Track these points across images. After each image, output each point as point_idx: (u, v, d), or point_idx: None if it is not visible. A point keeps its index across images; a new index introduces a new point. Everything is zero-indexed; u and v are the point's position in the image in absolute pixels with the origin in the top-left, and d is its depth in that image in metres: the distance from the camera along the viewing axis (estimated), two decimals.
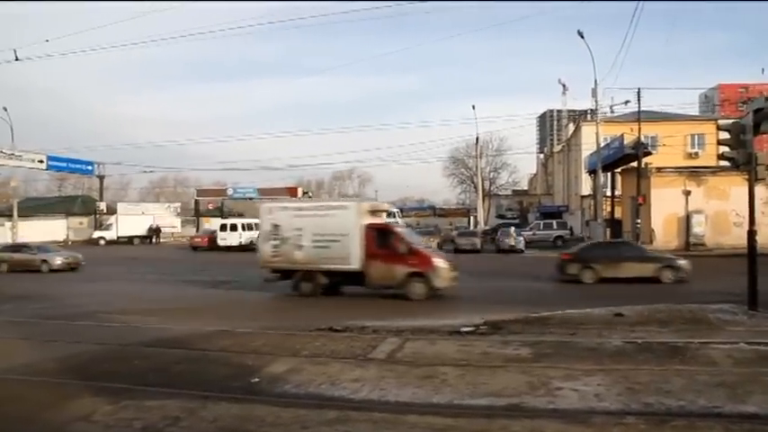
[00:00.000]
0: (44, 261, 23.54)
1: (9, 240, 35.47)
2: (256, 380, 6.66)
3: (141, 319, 11.40)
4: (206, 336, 9.49)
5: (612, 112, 35.41)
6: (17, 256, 24.12)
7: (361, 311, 12.12)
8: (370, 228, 14.61)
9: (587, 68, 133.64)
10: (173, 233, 49.29)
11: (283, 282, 15.46)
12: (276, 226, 15.08)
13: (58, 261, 23.69)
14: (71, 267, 23.76)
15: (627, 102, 31.16)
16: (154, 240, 46.26)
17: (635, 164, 29.04)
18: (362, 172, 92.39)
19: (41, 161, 43.19)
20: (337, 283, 14.96)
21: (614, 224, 31.84)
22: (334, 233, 14.48)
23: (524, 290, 15.99)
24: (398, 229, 15.74)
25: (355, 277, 14.44)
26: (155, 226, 46.93)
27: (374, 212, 15.83)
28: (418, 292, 13.87)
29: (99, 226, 46.96)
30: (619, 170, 33.10)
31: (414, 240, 15.51)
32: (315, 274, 14.73)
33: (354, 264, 14.30)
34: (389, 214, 48.33)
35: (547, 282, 17.70)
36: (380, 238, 14.45)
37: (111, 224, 45.84)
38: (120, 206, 49.54)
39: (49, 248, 25.80)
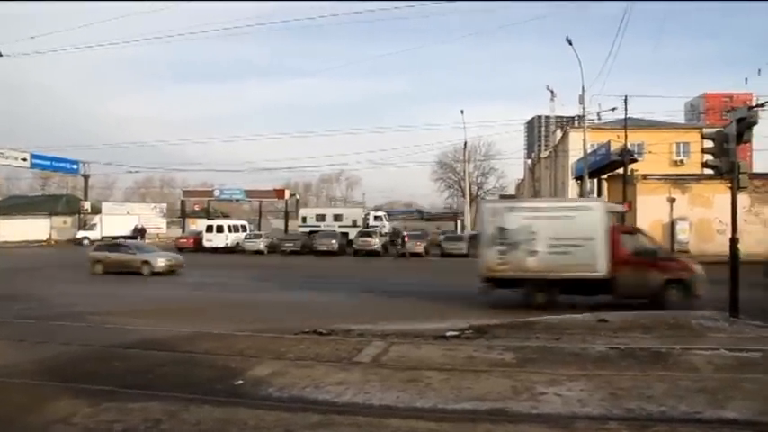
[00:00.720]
0: (146, 263, 21.44)
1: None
2: (240, 382, 6.63)
3: (125, 320, 11.28)
4: (190, 338, 9.42)
5: (600, 118, 35.87)
6: (114, 255, 22.04)
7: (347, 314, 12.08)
8: (617, 230, 13.56)
9: (575, 75, 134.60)
10: (158, 234, 48.89)
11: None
12: (502, 229, 13.40)
13: (161, 263, 21.61)
14: (171, 270, 21.83)
15: (614, 109, 31.68)
16: (139, 241, 45.77)
17: (621, 171, 29.36)
18: (350, 175, 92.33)
19: (25, 159, 42.62)
20: (572, 293, 13.39)
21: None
22: (576, 237, 12.94)
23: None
24: (646, 233, 14.17)
25: (600, 286, 12.98)
26: (140, 226, 46.51)
27: (610, 214, 14.37)
28: (676, 302, 12.38)
29: (83, 226, 46.40)
30: (605, 177, 33.39)
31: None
32: (550, 284, 13.16)
33: (601, 271, 12.81)
34: (376, 218, 48.71)
35: None
36: (629, 242, 13.32)
37: (95, 224, 45.42)
38: (104, 206, 49.08)
39: (148, 247, 24.05)
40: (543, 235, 13.10)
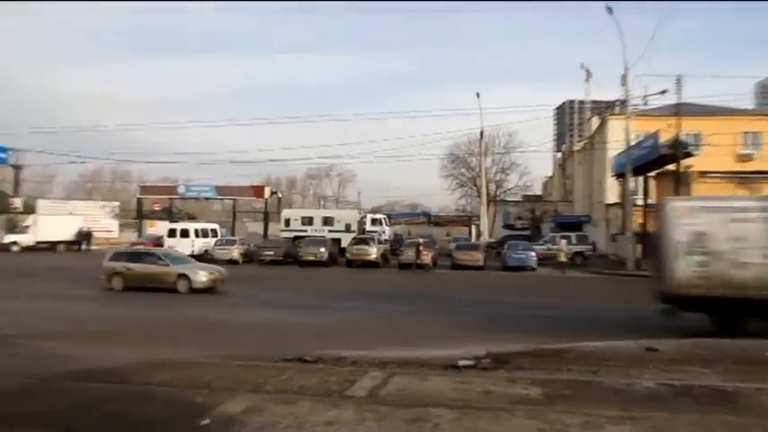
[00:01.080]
0: (183, 277, 20.38)
1: None
2: (206, 422, 6.58)
3: (64, 345, 11.26)
4: (146, 366, 9.37)
5: (646, 103, 35.83)
6: (139, 267, 20.92)
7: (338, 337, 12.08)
8: None
9: (616, 51, 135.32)
10: (108, 238, 48.90)
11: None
12: (701, 234, 12.77)
13: (202, 277, 20.55)
14: (211, 288, 20.86)
15: (664, 91, 31.70)
16: (84, 247, 45.84)
17: (673, 167, 29.40)
18: (343, 169, 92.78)
19: None
20: None
21: (647, 239, 32.17)
22: None
23: (536, 317, 16.09)
24: None
25: None
26: (85, 229, 46.55)
27: None
28: None
29: (12, 228, 46.18)
30: (653, 174, 33.48)
31: None
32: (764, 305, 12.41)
33: None
34: (374, 222, 48.85)
35: (560, 306, 17.84)
36: None
37: (28, 226, 45.30)
38: (41, 204, 49.08)
39: (182, 256, 22.98)
40: (758, 242, 12.40)
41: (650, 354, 10.27)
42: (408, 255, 32.68)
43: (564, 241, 33.51)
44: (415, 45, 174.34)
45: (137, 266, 20.98)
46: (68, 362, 9.71)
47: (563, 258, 31.42)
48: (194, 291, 20.14)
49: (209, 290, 20.56)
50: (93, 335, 12.72)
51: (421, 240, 34.03)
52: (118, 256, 22.04)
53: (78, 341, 11.74)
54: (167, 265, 20.84)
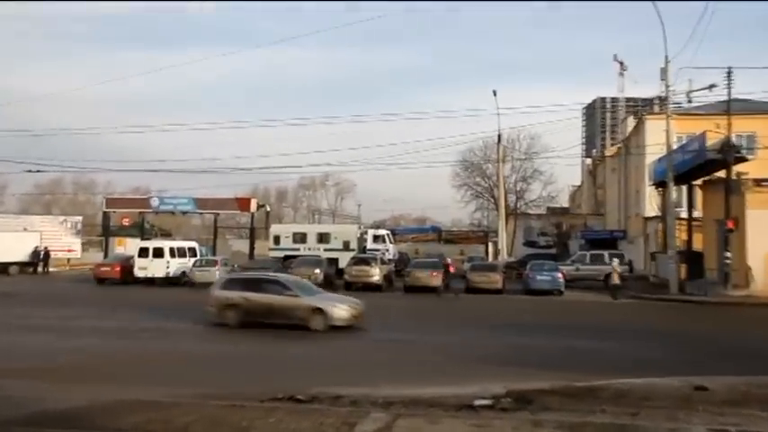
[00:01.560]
0: (317, 311, 19.22)
1: None
2: None
3: (16, 384, 11.26)
4: (112, 408, 9.37)
5: (690, 100, 35.91)
6: (260, 297, 19.62)
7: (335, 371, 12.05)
8: None
9: (655, 39, 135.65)
10: (69, 259, 48.93)
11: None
12: None
13: (342, 312, 19.34)
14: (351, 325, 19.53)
15: (712, 86, 31.57)
16: (40, 269, 45.86)
17: (722, 174, 29.37)
18: (341, 179, 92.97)
19: None
20: None
21: (692, 258, 32.07)
22: None
23: (564, 348, 16.08)
24: None
25: None
26: (42, 249, 46.57)
27: None
28: None
29: None
30: (698, 182, 33.47)
31: None
32: None
33: None
34: (377, 238, 48.93)
35: (595, 337, 17.81)
36: None
37: None
38: None
39: (307, 284, 21.74)
40: None
41: (699, 393, 10.21)
42: (417, 277, 32.71)
43: (616, 260, 32.88)
44: (421, 36, 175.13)
45: (257, 297, 19.68)
46: (22, 403, 9.72)
47: (616, 280, 31.01)
48: (332, 328, 18.85)
49: (348, 327, 19.21)
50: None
51: (449, 260, 34.04)
52: (232, 284, 20.88)
53: (15, 379, 11.72)
54: (297, 296, 19.68)
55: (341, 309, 19.54)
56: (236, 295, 19.92)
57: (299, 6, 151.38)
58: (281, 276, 22.46)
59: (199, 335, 18.87)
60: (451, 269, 32.15)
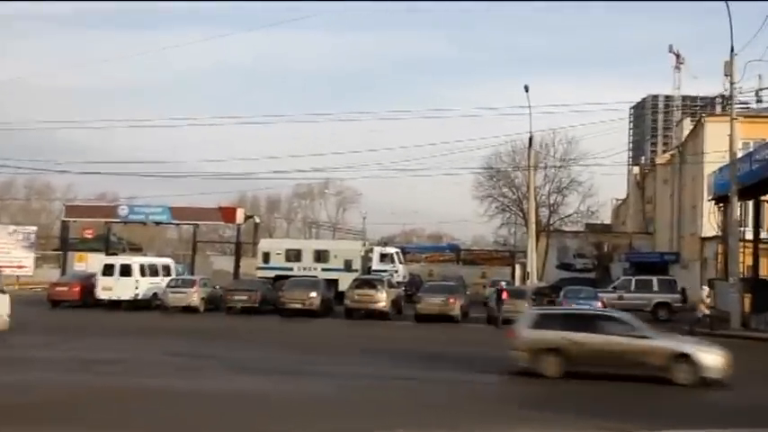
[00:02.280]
0: (683, 358, 17.18)
1: None
2: None
3: None
4: None
5: (759, 100, 35.84)
6: (594, 339, 17.73)
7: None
8: None
9: (719, 28, 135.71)
10: (18, 276, 48.89)
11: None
12: None
13: (713, 360, 17.01)
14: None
15: None
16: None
17: None
18: (343, 187, 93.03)
19: None
20: None
21: (758, 287, 31.79)
22: None
23: (604, 389, 15.96)
24: None
25: None
26: None
27: None
28: None
29: None
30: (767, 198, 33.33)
31: None
32: None
33: None
34: (384, 257, 48.79)
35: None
36: None
37: None
38: None
39: (642, 326, 18.80)
40: None
41: None
42: (429, 303, 32.57)
43: (706, 288, 31.56)
44: (440, 22, 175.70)
45: (589, 338, 17.79)
46: None
47: (705, 311, 29.59)
48: (703, 382, 16.83)
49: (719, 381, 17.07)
50: None
51: (503, 284, 33.81)
52: (548, 321, 19.16)
53: None
54: (647, 337, 17.86)
55: (714, 355, 17.33)
56: (556, 336, 18.08)
57: None
58: (617, 312, 20.96)
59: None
60: (504, 296, 31.28)
